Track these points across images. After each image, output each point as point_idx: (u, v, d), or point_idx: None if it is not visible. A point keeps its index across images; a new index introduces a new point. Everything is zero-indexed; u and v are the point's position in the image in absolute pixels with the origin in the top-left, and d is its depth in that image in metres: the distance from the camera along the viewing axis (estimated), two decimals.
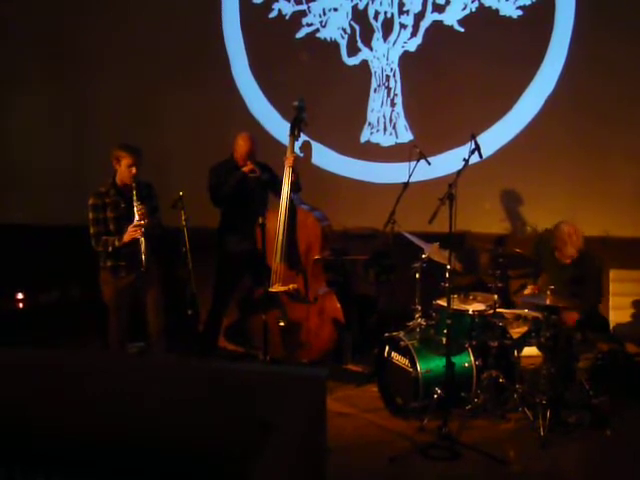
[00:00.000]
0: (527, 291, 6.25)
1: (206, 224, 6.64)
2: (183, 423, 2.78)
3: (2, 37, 8.44)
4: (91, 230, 5.83)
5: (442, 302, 5.74)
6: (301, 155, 6.99)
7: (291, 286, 6.36)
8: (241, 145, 6.47)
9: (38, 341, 6.68)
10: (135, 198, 5.71)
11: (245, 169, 6.35)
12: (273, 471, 2.49)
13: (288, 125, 6.45)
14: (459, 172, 5.53)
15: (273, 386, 2.73)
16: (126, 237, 5.72)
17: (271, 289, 6.25)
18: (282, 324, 6.29)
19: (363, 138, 7.74)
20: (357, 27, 7.65)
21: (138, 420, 2.85)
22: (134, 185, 5.72)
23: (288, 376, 2.88)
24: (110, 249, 5.78)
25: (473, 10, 7.33)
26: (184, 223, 5.83)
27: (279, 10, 7.80)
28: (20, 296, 7.70)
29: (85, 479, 2.88)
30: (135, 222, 5.69)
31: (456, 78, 7.42)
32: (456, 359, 5.62)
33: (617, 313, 6.60)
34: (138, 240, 5.69)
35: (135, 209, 5.70)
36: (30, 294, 7.75)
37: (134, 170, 5.76)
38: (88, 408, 2.96)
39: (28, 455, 2.95)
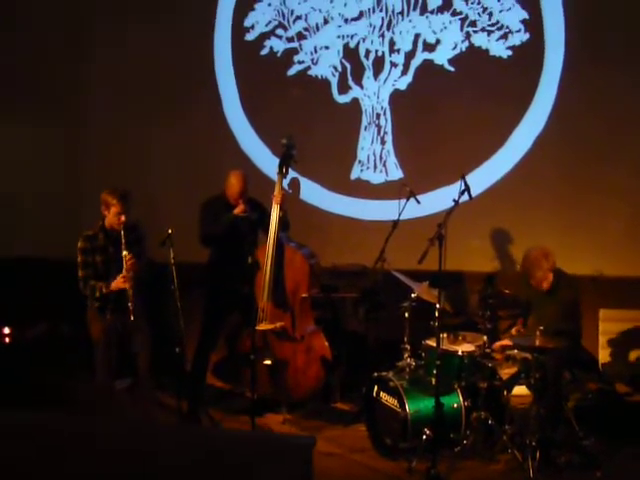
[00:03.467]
0: (512, 331, 6.23)
1: (195, 259, 6.62)
2: None
3: None
4: (80, 273, 5.85)
5: (431, 342, 5.72)
6: (289, 192, 6.97)
7: (278, 324, 6.33)
8: (233, 184, 6.37)
9: (23, 377, 6.64)
10: (124, 247, 5.71)
11: (236, 211, 6.27)
12: None
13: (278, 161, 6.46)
14: (449, 213, 5.52)
15: (261, 454, 2.68)
16: (113, 286, 5.76)
17: (258, 327, 6.19)
18: (268, 362, 6.25)
19: (353, 175, 7.74)
20: (348, 65, 7.68)
21: None
22: (123, 233, 5.71)
23: (275, 444, 2.83)
24: (97, 294, 5.80)
25: (463, 50, 7.37)
26: (172, 261, 5.81)
27: (271, 47, 7.83)
28: (6, 331, 7.60)
29: None
30: (123, 273, 5.72)
31: (446, 116, 7.44)
32: (445, 400, 5.59)
33: (606, 352, 6.58)
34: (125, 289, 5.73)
35: (124, 260, 5.70)
36: (17, 329, 7.66)
37: (123, 218, 5.75)
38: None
39: None
